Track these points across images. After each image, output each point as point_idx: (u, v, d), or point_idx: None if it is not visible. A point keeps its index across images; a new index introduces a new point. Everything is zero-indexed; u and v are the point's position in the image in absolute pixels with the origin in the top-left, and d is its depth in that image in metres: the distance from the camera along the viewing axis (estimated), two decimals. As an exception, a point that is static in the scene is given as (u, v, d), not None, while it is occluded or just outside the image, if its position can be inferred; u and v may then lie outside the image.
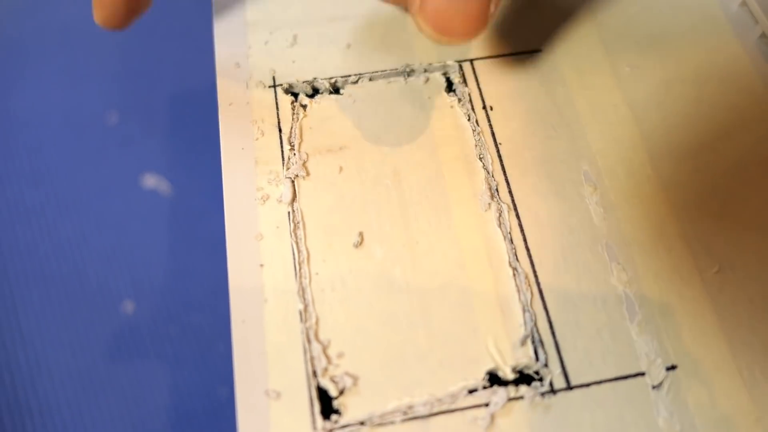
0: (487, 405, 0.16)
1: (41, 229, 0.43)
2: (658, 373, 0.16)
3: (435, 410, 0.16)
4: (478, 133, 0.20)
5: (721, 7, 0.22)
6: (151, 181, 0.45)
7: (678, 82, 0.21)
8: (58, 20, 0.51)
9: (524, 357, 0.17)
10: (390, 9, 0.22)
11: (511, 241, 0.18)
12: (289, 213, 0.18)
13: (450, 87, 0.21)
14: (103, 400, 0.39)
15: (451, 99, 0.20)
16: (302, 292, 0.17)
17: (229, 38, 0.21)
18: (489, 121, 0.20)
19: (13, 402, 0.38)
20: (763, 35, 0.21)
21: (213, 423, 0.39)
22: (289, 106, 0.20)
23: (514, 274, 0.18)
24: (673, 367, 0.16)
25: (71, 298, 0.41)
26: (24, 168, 0.45)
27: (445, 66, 0.21)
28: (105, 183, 0.45)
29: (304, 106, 0.20)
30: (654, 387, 0.16)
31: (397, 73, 0.21)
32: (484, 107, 0.20)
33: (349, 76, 0.20)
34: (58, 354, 0.40)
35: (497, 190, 0.19)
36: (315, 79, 0.20)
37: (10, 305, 0.40)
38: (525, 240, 0.18)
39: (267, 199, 0.18)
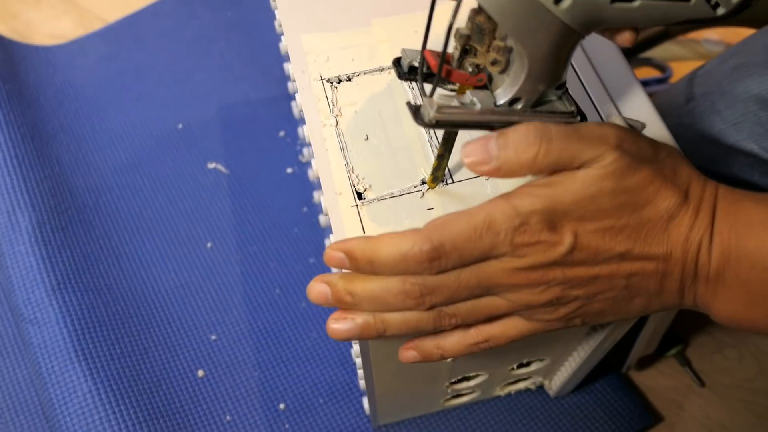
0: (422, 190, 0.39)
1: (142, 201, 0.66)
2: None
3: (401, 193, 0.39)
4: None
5: None
6: (212, 165, 0.69)
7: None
8: (134, 62, 0.74)
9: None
10: (370, 37, 0.46)
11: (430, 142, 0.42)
12: (335, 129, 0.41)
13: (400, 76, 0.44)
14: (196, 302, 0.61)
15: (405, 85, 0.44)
16: (346, 156, 0.40)
17: (297, 59, 0.45)
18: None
19: (142, 302, 0.60)
20: None
21: (270, 314, 0.61)
22: (330, 87, 0.43)
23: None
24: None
25: (171, 242, 0.64)
26: (123, 163, 0.68)
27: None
28: (181, 168, 0.68)
29: (336, 87, 0.43)
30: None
31: (375, 71, 0.44)
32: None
33: (354, 73, 0.44)
34: (167, 275, 0.62)
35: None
36: (339, 75, 0.44)
37: (133, 249, 0.63)
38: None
39: (325, 125, 0.42)
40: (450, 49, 0.32)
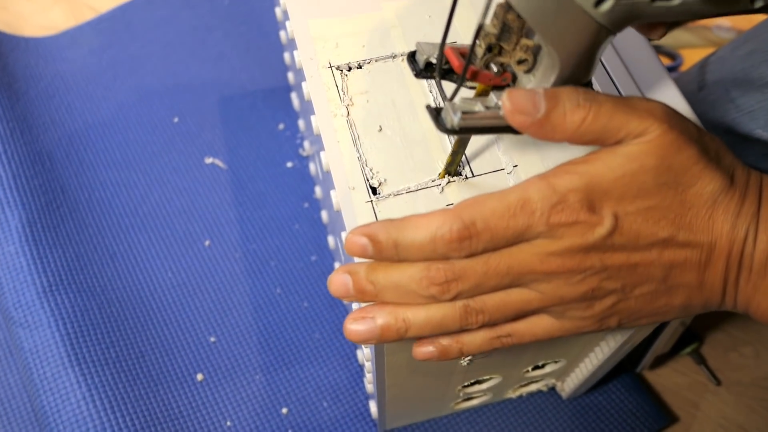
0: (440, 184, 0.37)
1: (137, 198, 0.63)
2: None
3: (419, 188, 0.36)
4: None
5: None
6: (209, 160, 0.66)
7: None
8: (127, 54, 0.71)
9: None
10: (376, 18, 0.43)
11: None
12: (347, 120, 0.39)
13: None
14: (194, 302, 0.58)
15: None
16: (359, 149, 0.37)
17: (305, 46, 0.42)
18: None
19: (138, 303, 0.57)
20: None
21: (271, 314, 0.58)
22: (340, 75, 0.40)
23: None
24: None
25: (167, 240, 0.61)
26: (117, 158, 0.66)
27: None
28: (177, 163, 0.66)
29: (346, 75, 0.40)
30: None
31: (387, 57, 0.41)
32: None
33: (365, 60, 0.41)
34: (163, 275, 0.59)
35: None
36: (349, 62, 0.41)
37: (127, 247, 0.60)
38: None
39: (336, 115, 0.39)
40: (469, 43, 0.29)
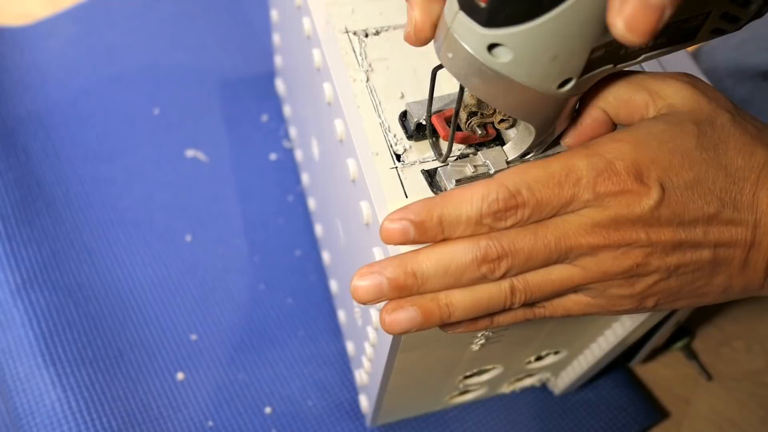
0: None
1: (116, 192, 0.61)
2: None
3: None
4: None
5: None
6: (191, 153, 0.64)
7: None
8: (106, 43, 0.69)
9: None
10: None
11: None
12: (367, 85, 0.36)
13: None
14: (175, 299, 0.56)
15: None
16: (380, 114, 0.34)
17: (320, 10, 0.39)
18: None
19: (116, 300, 0.55)
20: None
21: (254, 311, 0.56)
22: (357, 40, 0.38)
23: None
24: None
25: (147, 236, 0.59)
26: (95, 151, 0.63)
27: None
28: (157, 156, 0.63)
29: (364, 41, 0.38)
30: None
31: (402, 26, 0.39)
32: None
33: (383, 27, 0.38)
34: (143, 271, 0.57)
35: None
36: (366, 29, 0.38)
37: (106, 243, 0.58)
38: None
39: (355, 80, 0.36)
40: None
